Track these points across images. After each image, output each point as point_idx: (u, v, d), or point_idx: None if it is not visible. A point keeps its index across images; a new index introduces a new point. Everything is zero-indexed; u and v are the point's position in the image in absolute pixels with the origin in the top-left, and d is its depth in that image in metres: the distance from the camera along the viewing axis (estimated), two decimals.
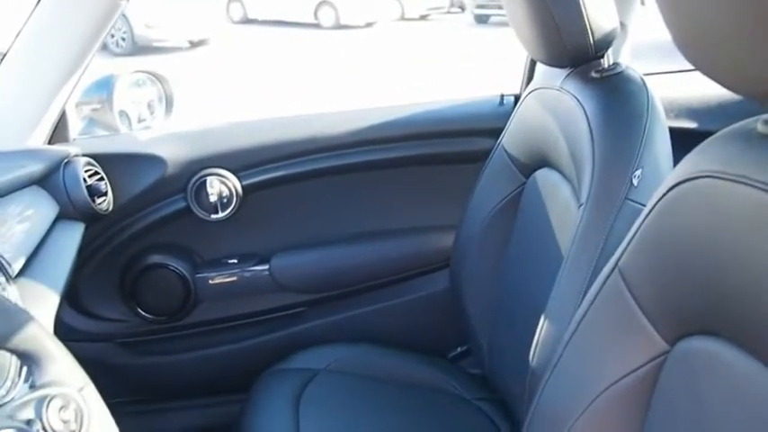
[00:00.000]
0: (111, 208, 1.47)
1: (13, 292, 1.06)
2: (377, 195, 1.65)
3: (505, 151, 1.38)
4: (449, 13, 14.76)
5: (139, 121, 1.66)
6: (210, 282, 1.62)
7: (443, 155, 1.62)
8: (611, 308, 0.76)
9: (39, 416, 0.66)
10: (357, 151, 1.59)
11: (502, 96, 1.61)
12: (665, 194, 0.69)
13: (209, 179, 1.54)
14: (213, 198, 1.56)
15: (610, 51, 1.13)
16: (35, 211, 1.30)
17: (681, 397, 0.69)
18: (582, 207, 1.04)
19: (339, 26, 12.80)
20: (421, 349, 1.58)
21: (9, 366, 0.72)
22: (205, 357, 1.66)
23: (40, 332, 0.71)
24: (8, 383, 0.72)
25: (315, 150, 1.57)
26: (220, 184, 1.55)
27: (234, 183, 1.55)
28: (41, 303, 1.11)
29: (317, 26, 12.95)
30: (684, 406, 0.69)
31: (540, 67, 1.48)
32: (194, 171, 1.54)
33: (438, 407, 1.44)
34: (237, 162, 1.55)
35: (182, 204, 1.56)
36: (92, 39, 1.36)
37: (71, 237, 1.35)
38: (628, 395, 0.75)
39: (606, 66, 1.14)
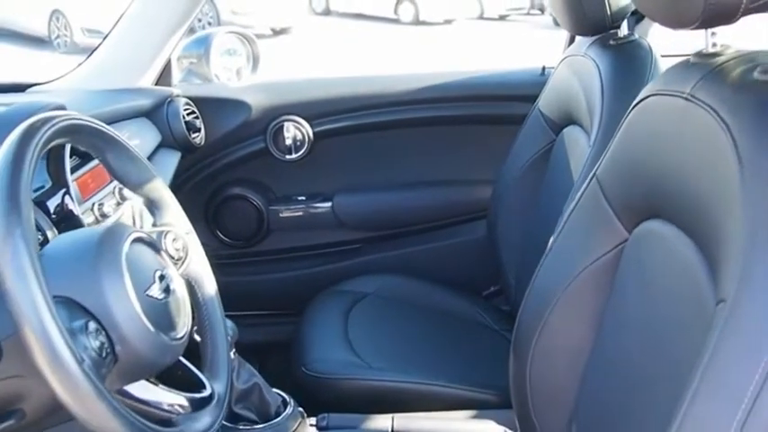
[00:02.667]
0: (203, 143, 1.74)
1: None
2: (428, 149, 1.89)
3: (540, 112, 1.59)
4: (528, 14, 14.76)
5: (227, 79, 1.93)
6: (281, 215, 1.88)
7: (488, 116, 1.84)
8: (589, 208, 0.98)
9: (160, 241, 0.92)
10: (414, 108, 1.83)
11: (543, 68, 1.82)
12: (630, 112, 0.90)
13: (285, 124, 1.81)
14: (288, 141, 1.82)
15: (625, 23, 1.34)
16: (142, 137, 1.58)
17: (632, 273, 0.90)
18: (590, 149, 1.25)
19: (418, 22, 13.02)
20: (458, 286, 1.80)
21: (141, 208, 1.00)
22: (272, 281, 1.93)
23: (162, 185, 0.98)
24: (139, 221, 0.99)
25: (378, 105, 1.82)
26: (295, 130, 1.81)
27: (307, 129, 1.82)
28: None
29: (396, 21, 13.20)
30: (634, 279, 0.89)
31: (576, 40, 1.69)
32: (274, 117, 1.80)
33: (469, 333, 1.65)
34: (311, 111, 1.81)
35: (261, 145, 1.83)
36: (193, 4, 1.63)
37: (169, 162, 1.63)
38: (597, 276, 0.96)
39: (621, 35, 1.34)
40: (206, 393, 0.87)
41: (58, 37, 8.85)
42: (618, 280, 0.93)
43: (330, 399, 1.36)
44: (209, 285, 1.00)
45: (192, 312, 0.94)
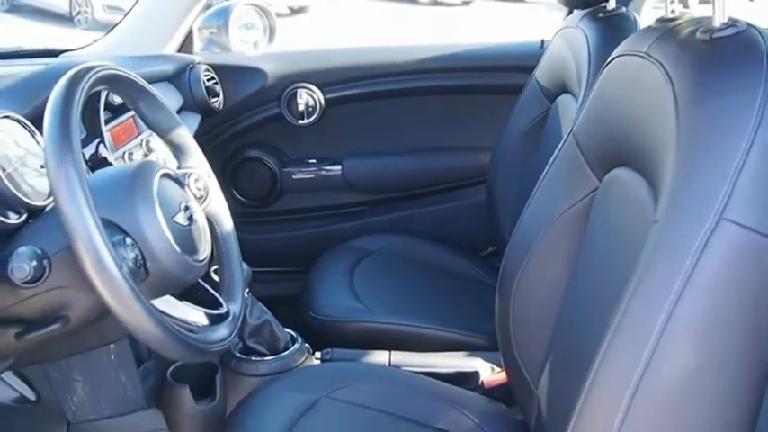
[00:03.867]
0: (222, 107, 1.87)
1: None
2: (432, 116, 2.01)
3: (537, 82, 1.70)
4: None
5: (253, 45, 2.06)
6: (293, 177, 2.01)
7: (489, 86, 1.95)
8: (566, 160, 1.09)
9: (184, 181, 1.05)
10: (419, 78, 1.94)
11: (542, 41, 1.93)
12: (602, 71, 1.01)
13: (299, 91, 1.93)
14: (301, 107, 1.94)
15: None
16: (166, 99, 1.71)
17: (600, 216, 1.01)
18: (577, 110, 1.36)
19: (436, 3, 13.05)
20: (458, 246, 1.92)
21: (165, 158, 1.13)
22: (284, 239, 2.06)
23: (187, 133, 1.10)
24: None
25: (386, 75, 1.94)
26: (308, 96, 1.93)
27: (319, 96, 1.94)
28: None
29: (414, 2, 13.23)
30: (601, 221, 1.00)
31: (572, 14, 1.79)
32: (288, 84, 1.93)
33: (465, 288, 1.77)
34: (323, 79, 1.93)
35: (275, 110, 1.95)
36: None
37: (189, 123, 1.76)
38: (572, 221, 1.07)
39: (609, 8, 1.45)
40: (222, 311, 1.00)
41: (78, 13, 8.97)
42: (589, 224, 1.04)
43: (334, 339, 1.48)
44: (227, 222, 1.13)
45: (212, 245, 1.07)
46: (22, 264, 0.78)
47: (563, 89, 1.58)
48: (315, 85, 1.93)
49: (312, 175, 2.01)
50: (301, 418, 1.14)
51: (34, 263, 0.80)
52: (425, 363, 1.35)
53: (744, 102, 0.67)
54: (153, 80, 1.70)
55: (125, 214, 0.85)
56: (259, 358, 1.33)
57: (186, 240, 0.91)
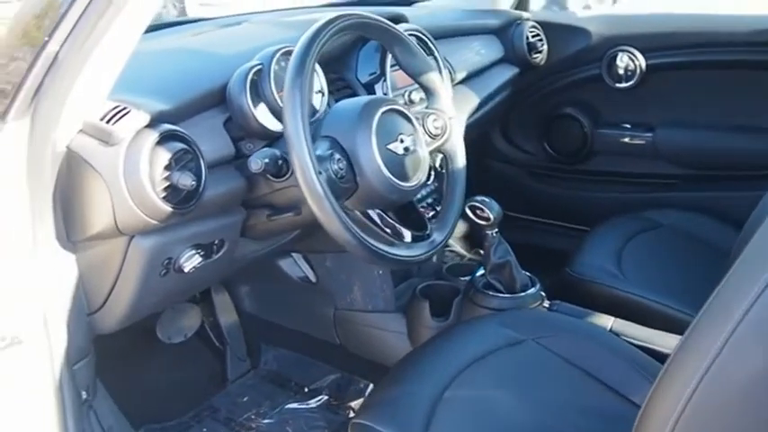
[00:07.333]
0: (543, 63, 1.97)
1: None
2: (761, 94, 1.81)
3: None
4: None
5: (584, 7, 2.10)
6: (605, 139, 2.02)
7: None
8: None
9: (424, 120, 1.21)
10: (752, 51, 1.77)
11: None
12: None
13: (620, 54, 1.92)
14: (621, 71, 1.94)
15: None
16: (486, 50, 1.87)
17: None
18: None
19: None
20: None
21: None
22: (582, 198, 2.10)
23: (438, 78, 1.25)
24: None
25: (714, 44, 1.81)
26: (629, 60, 1.92)
27: (640, 61, 1.90)
28: (467, 103, 1.69)
29: None
30: None
31: None
32: (610, 46, 1.93)
33: None
34: (647, 44, 1.90)
35: (595, 71, 1.98)
36: None
37: (504, 73, 1.91)
38: None
39: None
40: (425, 233, 1.16)
41: None
42: None
43: (577, 297, 1.52)
44: (460, 161, 1.26)
45: (440, 178, 1.23)
46: (265, 160, 1.03)
47: None
48: (637, 50, 1.90)
49: (623, 139, 1.99)
50: (500, 351, 1.24)
51: (279, 162, 1.05)
52: (646, 337, 1.33)
53: None
54: (478, 31, 1.89)
55: (346, 135, 1.06)
56: (495, 294, 1.45)
57: (396, 166, 1.08)
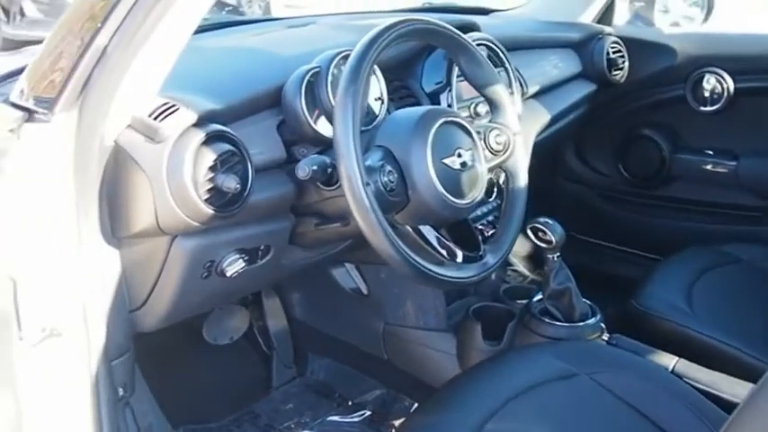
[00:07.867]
0: (623, 80, 1.88)
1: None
2: None
3: None
4: None
5: (672, 24, 1.99)
6: (684, 164, 1.91)
7: None
8: None
9: (486, 134, 1.15)
10: None
11: None
12: None
13: (707, 75, 1.81)
14: (707, 93, 1.82)
15: None
16: (563, 64, 1.80)
17: None
18: None
19: None
20: None
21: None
22: (656, 225, 1.99)
23: (503, 90, 1.19)
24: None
25: None
26: (716, 82, 1.80)
27: (729, 83, 1.79)
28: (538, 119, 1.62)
29: None
30: None
31: None
32: (697, 66, 1.82)
33: None
34: (737, 66, 1.78)
35: (679, 92, 1.87)
36: None
37: (581, 89, 1.83)
38: None
39: None
40: (478, 254, 1.10)
41: None
42: None
43: (639, 332, 1.43)
44: (521, 180, 1.20)
45: (502, 196, 1.17)
46: (313, 167, 0.99)
47: None
48: (726, 71, 1.78)
49: (704, 166, 1.88)
50: (549, 384, 1.17)
51: (328, 170, 1.01)
52: (711, 381, 1.23)
53: None
54: (556, 45, 1.81)
55: (400, 146, 1.01)
56: (551, 321, 1.38)
57: (451, 181, 1.02)
